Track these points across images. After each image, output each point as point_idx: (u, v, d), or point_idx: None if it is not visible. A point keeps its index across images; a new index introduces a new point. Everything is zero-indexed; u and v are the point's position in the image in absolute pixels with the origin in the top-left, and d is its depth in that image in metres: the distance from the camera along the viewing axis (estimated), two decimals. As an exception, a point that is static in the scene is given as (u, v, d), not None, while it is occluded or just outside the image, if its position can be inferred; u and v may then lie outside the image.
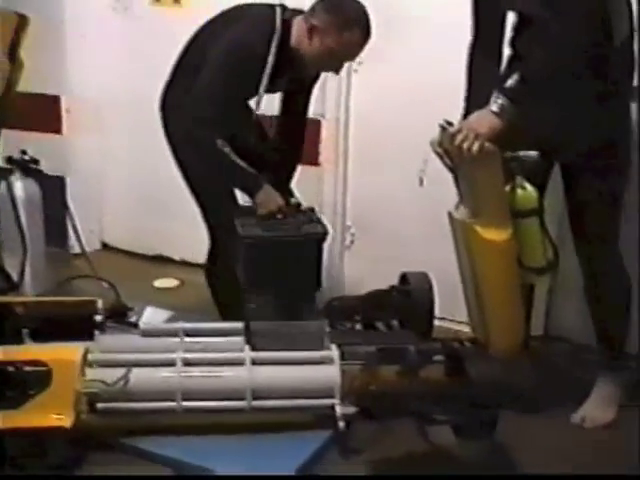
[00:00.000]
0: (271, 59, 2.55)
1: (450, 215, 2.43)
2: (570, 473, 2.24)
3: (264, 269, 2.48)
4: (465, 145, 2.21)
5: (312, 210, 2.70)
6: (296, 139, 2.91)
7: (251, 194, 2.62)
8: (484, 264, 2.35)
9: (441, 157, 2.35)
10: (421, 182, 2.44)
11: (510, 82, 2.23)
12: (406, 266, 2.89)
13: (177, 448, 2.26)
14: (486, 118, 2.22)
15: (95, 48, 3.72)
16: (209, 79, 2.58)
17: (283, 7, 2.68)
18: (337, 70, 2.67)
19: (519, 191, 2.31)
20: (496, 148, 2.23)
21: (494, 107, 2.22)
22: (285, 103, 2.88)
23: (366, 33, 2.57)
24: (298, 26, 2.61)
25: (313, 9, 2.62)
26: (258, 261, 2.47)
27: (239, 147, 2.59)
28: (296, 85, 2.77)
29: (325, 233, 2.52)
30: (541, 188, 2.40)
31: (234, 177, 2.63)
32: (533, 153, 2.29)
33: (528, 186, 2.32)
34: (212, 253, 2.88)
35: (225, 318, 2.77)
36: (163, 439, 2.29)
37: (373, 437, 2.37)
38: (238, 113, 2.64)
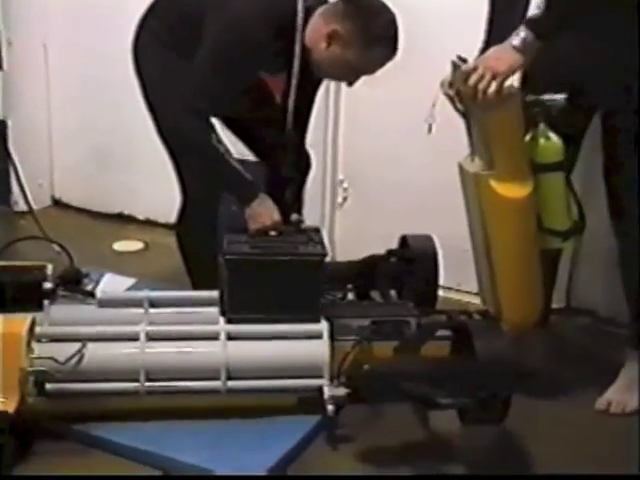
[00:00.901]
0: (277, 52, 2.52)
1: (460, 167, 2.41)
2: (590, 467, 2.25)
3: (249, 293, 2.41)
4: (480, 86, 2.19)
5: (316, 230, 2.63)
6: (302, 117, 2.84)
7: (243, 204, 2.57)
8: (498, 225, 2.34)
9: (452, 100, 2.33)
10: (429, 129, 2.41)
11: (535, 11, 2.20)
12: (407, 228, 2.89)
13: (139, 436, 2.26)
14: (506, 54, 2.19)
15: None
16: (205, 65, 2.52)
17: None
18: (351, 83, 2.60)
19: (542, 141, 2.30)
20: (517, 89, 2.21)
21: (515, 41, 2.19)
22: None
23: (393, 50, 2.51)
24: (316, 24, 2.52)
25: (337, 9, 2.51)
26: (242, 283, 2.41)
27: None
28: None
29: (324, 255, 2.47)
30: (571, 140, 2.38)
31: (225, 180, 2.59)
32: (560, 97, 2.27)
33: (552, 135, 2.30)
34: (184, 211, 2.87)
35: (197, 287, 2.77)
36: (123, 426, 2.30)
37: (366, 424, 2.38)
38: (235, 97, 2.59)
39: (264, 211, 2.56)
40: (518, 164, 2.30)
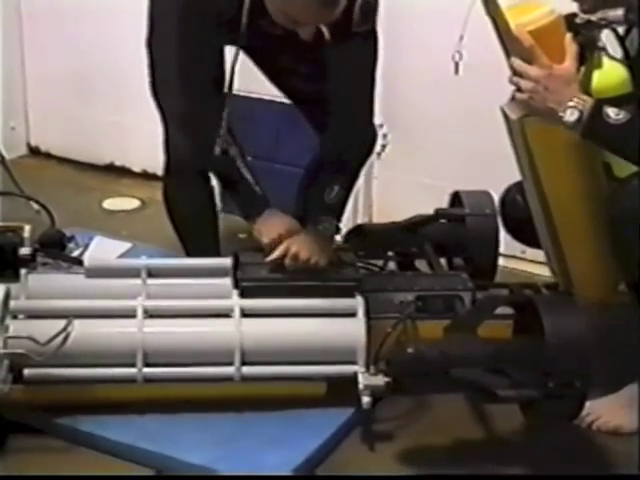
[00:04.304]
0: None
1: (503, 112, 2.39)
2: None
3: None
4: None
5: (345, 249, 2.68)
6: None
7: (248, 220, 2.60)
8: (555, 178, 2.34)
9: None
10: (456, 69, 2.39)
11: None
12: (460, 182, 2.88)
13: (136, 432, 2.29)
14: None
15: None
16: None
17: None
18: (304, 34, 2.43)
19: (596, 73, 2.28)
20: (557, 14, 2.19)
21: None
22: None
23: None
24: None
25: None
26: None
27: None
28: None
29: (359, 280, 2.51)
30: None
31: (231, 189, 2.62)
32: (615, 13, 2.25)
33: (609, 63, 2.27)
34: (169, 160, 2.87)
35: (190, 253, 2.79)
36: (116, 419, 2.32)
37: (409, 419, 2.40)
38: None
39: (276, 221, 2.56)
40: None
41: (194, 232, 2.83)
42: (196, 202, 2.79)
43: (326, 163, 2.62)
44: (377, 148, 3.45)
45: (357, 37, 2.51)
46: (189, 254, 2.79)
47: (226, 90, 2.52)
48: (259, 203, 2.58)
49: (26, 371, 2.29)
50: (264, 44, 2.55)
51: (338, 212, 2.61)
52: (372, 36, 2.57)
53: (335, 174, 2.58)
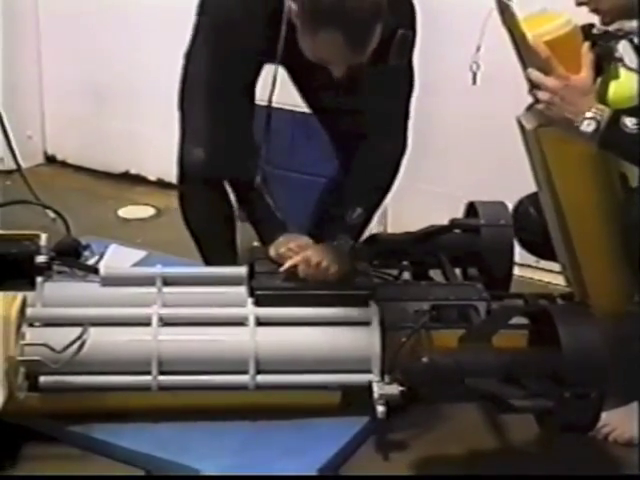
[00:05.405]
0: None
1: (519, 123, 2.40)
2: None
3: None
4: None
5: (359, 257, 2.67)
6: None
7: (265, 243, 2.65)
8: (570, 188, 2.34)
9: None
10: (473, 79, 2.38)
11: None
12: (475, 192, 2.87)
13: (150, 440, 2.29)
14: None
15: None
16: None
17: None
18: (336, 72, 2.41)
19: (612, 83, 2.27)
20: (574, 25, 2.19)
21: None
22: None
23: (349, 35, 2.31)
24: None
25: None
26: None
27: None
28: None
29: (373, 288, 2.52)
30: None
31: (253, 213, 2.69)
32: (630, 24, 2.25)
33: (626, 73, 2.27)
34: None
35: (208, 262, 2.79)
36: (131, 427, 2.33)
37: (424, 429, 2.40)
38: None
39: (290, 239, 2.59)
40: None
41: (211, 241, 2.83)
42: (212, 211, 2.79)
43: (351, 184, 2.63)
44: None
45: (393, 69, 2.54)
46: (207, 263, 2.79)
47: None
48: (277, 228, 2.63)
49: (42, 379, 2.30)
50: (301, 65, 2.55)
51: (356, 233, 2.61)
52: (408, 69, 2.61)
53: (359, 196, 2.58)
